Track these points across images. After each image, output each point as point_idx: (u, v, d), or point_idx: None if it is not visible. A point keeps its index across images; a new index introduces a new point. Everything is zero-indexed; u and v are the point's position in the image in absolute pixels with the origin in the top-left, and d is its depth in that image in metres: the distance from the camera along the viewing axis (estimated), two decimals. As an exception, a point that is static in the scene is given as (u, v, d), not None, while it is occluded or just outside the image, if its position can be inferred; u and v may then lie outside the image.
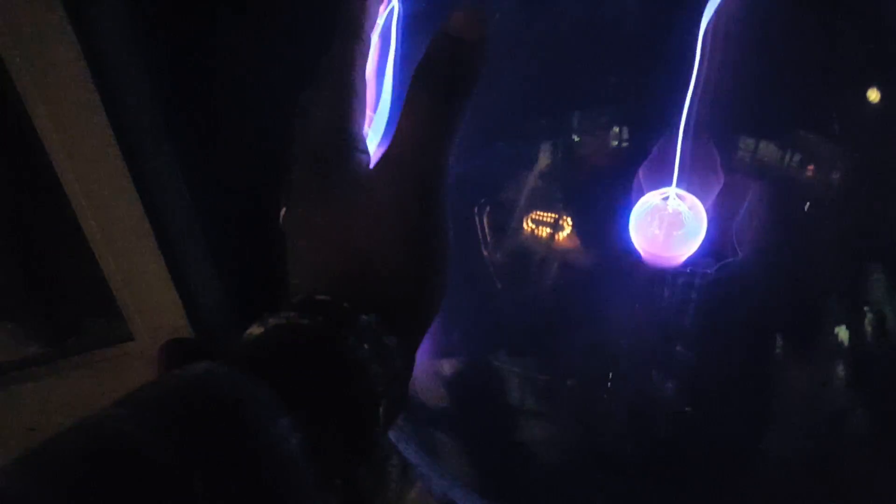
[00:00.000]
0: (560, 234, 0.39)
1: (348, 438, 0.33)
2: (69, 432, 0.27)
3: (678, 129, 0.35)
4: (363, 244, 0.36)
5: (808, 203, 0.37)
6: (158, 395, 0.29)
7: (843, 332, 0.39)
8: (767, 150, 0.37)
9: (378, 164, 0.37)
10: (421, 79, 0.36)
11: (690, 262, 0.38)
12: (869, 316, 0.38)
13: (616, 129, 0.38)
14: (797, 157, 0.37)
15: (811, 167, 0.37)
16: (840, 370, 0.40)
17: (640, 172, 0.36)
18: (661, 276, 0.39)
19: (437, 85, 0.36)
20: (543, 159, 0.39)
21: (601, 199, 0.38)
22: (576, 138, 0.38)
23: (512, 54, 0.39)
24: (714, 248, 0.38)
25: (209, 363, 0.30)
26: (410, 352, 0.37)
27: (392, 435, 0.52)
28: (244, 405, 0.29)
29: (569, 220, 0.39)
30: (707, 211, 0.37)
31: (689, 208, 0.38)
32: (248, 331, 0.34)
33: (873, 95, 0.38)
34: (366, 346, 0.34)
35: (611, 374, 0.40)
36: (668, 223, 0.38)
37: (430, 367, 0.46)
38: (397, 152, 0.36)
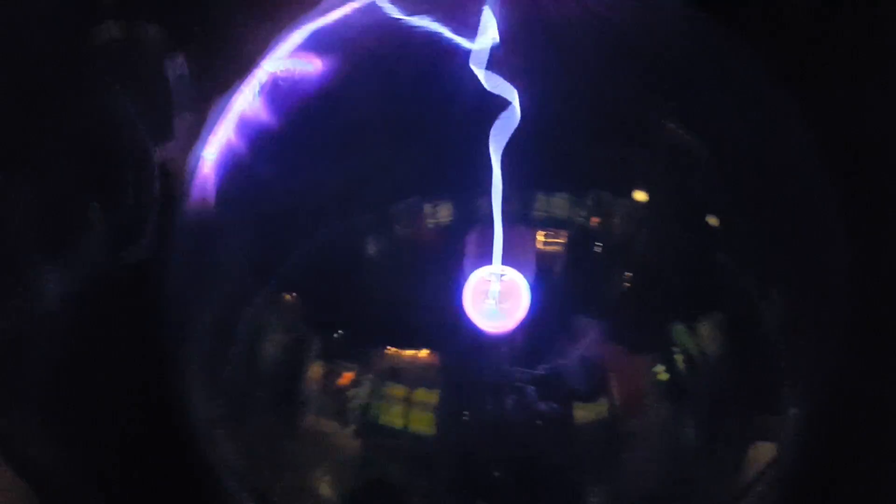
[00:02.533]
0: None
1: None
2: None
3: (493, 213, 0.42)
4: None
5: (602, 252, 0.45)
6: None
7: (661, 372, 0.46)
8: (569, 218, 0.45)
9: None
10: None
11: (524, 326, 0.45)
12: (679, 356, 0.45)
13: (436, 213, 0.45)
14: (595, 218, 0.45)
15: (598, 221, 0.45)
16: (665, 407, 0.46)
17: (466, 256, 0.43)
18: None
19: None
20: (371, 248, 0.46)
21: (435, 283, 0.45)
22: (399, 227, 0.45)
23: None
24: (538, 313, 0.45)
25: None
26: None
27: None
28: None
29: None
30: (529, 282, 0.44)
31: (512, 282, 0.44)
32: None
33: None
34: None
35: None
36: (498, 296, 0.44)
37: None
38: None
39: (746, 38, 0.48)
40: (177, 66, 0.41)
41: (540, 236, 0.45)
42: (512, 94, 0.42)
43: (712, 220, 0.48)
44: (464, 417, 0.44)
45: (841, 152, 0.48)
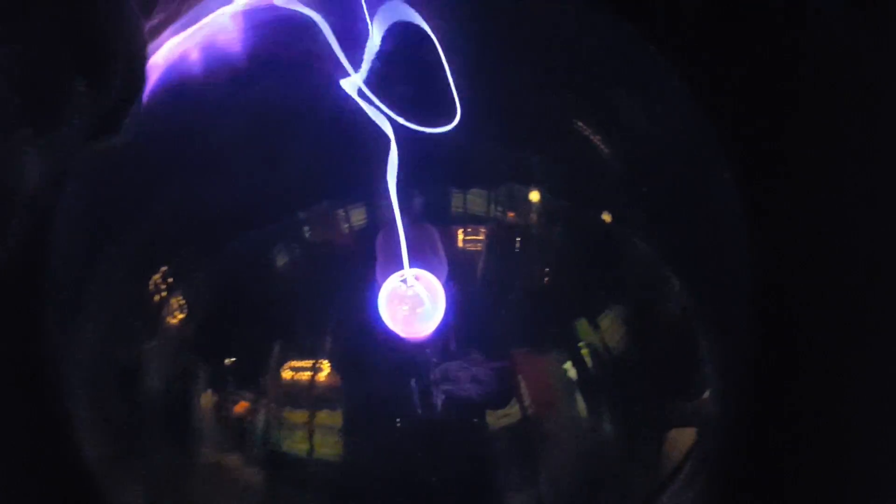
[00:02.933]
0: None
1: None
2: None
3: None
4: None
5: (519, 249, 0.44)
6: None
7: (570, 369, 0.45)
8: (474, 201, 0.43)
9: None
10: None
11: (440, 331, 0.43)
12: (585, 350, 0.44)
13: (344, 216, 0.42)
14: (502, 213, 0.43)
15: (513, 215, 0.44)
16: (579, 404, 0.45)
17: (377, 261, 0.41)
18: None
19: None
20: (281, 258, 0.42)
21: (348, 289, 0.42)
22: (306, 230, 0.42)
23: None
24: (455, 316, 0.43)
25: None
26: None
27: None
28: None
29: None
30: (443, 284, 0.42)
31: (426, 287, 0.42)
32: None
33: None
34: None
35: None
36: (411, 302, 0.42)
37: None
38: None
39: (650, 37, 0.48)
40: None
41: (447, 236, 0.43)
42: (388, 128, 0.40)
43: (608, 216, 0.47)
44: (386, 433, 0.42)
45: (741, 145, 0.49)
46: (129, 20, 0.34)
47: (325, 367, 0.41)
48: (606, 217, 0.47)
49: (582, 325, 0.45)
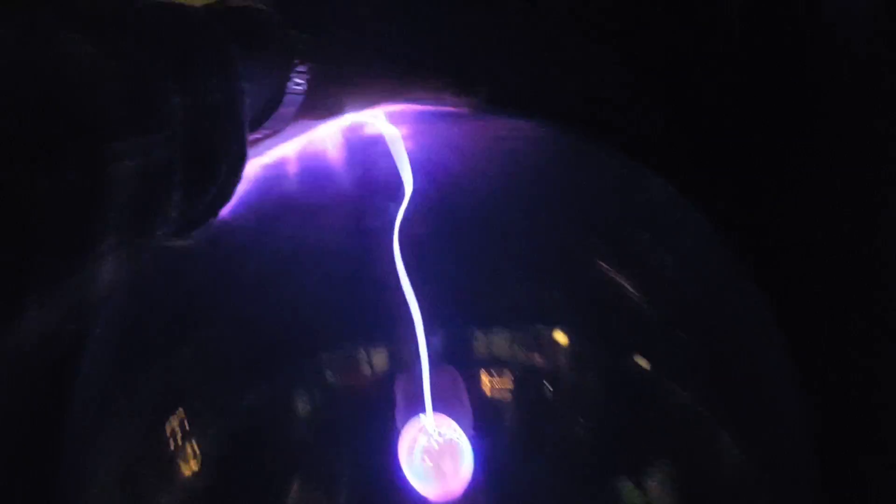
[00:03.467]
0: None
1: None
2: None
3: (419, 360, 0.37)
4: None
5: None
6: None
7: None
8: (503, 355, 0.40)
9: None
10: None
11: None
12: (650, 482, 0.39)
13: (368, 364, 0.39)
14: (530, 357, 0.40)
15: (542, 358, 0.41)
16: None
17: (396, 410, 0.38)
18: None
19: None
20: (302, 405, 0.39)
21: (367, 443, 0.38)
22: (329, 376, 0.39)
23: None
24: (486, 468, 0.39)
25: None
26: None
27: None
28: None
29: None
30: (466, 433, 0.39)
31: (454, 434, 0.39)
32: None
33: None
34: None
35: None
36: (439, 455, 0.38)
37: None
38: None
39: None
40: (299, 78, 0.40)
41: (475, 382, 0.40)
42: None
43: (644, 363, 0.44)
44: None
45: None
46: (241, 137, 0.34)
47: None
48: (643, 363, 0.44)
49: (628, 489, 0.40)
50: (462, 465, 0.38)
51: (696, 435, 0.43)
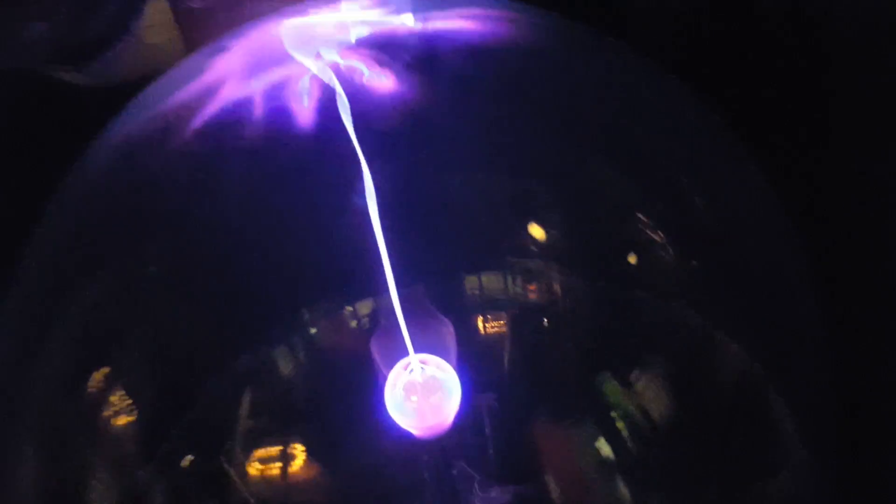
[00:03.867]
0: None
1: None
2: None
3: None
4: None
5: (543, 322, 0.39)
6: None
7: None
8: (489, 283, 0.39)
9: None
10: None
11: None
12: (619, 421, 0.38)
13: (349, 311, 0.39)
14: (518, 283, 0.39)
15: (533, 288, 0.39)
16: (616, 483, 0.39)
17: (373, 351, 0.37)
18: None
19: None
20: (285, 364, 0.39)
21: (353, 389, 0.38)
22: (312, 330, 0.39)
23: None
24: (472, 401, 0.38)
25: None
26: None
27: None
28: None
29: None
30: (453, 365, 0.38)
31: (438, 369, 0.38)
32: None
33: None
34: None
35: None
36: (423, 391, 0.38)
37: None
38: None
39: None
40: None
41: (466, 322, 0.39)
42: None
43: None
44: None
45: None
46: None
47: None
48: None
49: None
50: (447, 400, 0.38)
51: (697, 340, 0.42)
